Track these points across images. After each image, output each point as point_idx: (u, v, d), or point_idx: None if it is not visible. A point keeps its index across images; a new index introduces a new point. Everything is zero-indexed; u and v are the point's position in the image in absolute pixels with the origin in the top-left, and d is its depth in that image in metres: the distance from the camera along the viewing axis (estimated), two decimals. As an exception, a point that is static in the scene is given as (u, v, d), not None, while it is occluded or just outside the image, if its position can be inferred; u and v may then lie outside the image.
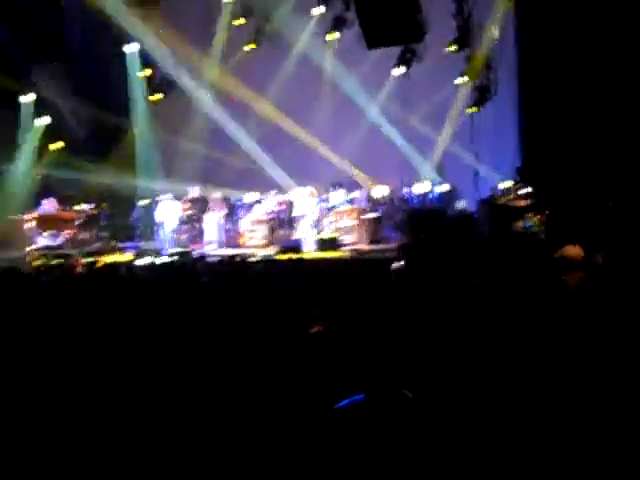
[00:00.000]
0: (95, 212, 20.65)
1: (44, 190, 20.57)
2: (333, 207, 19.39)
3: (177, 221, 20.04)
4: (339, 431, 3.44)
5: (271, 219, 19.61)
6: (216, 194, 20.10)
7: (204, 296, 7.61)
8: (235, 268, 10.63)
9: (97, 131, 21.34)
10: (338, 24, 21.13)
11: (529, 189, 17.47)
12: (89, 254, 18.00)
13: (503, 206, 17.29)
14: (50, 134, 21.44)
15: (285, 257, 14.00)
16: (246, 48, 22.22)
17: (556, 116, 17.63)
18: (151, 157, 23.26)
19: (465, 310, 5.76)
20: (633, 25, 16.36)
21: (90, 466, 4.25)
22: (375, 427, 3.37)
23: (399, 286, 7.48)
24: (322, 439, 3.54)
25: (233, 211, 20.42)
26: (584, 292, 6.11)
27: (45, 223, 19.43)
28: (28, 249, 18.49)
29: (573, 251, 7.20)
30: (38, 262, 16.43)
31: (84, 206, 20.51)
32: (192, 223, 20.24)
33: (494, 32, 19.39)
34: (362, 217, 18.98)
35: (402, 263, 5.12)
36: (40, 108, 21.26)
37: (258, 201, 20.20)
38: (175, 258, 15.29)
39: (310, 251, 17.52)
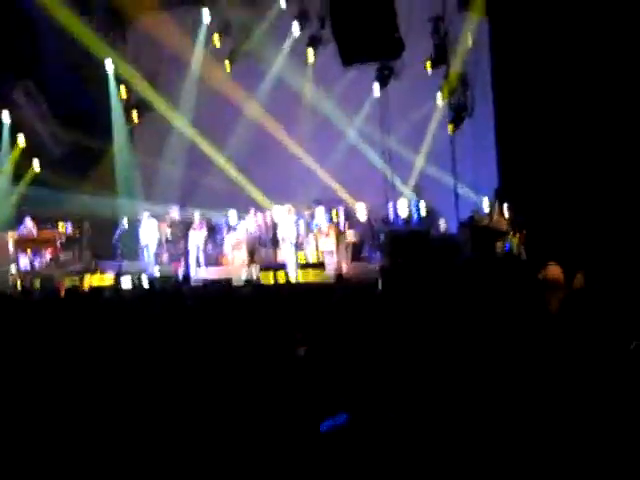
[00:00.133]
0: (76, 232, 20.59)
1: (23, 210, 20.49)
2: (315, 226, 19.38)
3: (158, 241, 19.99)
4: (324, 452, 3.49)
5: (253, 239, 19.58)
6: (197, 214, 20.06)
7: (189, 320, 7.65)
8: (220, 292, 10.66)
9: (75, 150, 21.23)
10: (314, 42, 21.20)
11: (507, 209, 17.59)
12: (71, 274, 17.97)
13: (484, 228, 17.36)
14: (27, 154, 21.36)
15: (270, 280, 14.04)
16: (227, 64, 22.19)
17: (533, 134, 17.74)
18: (130, 176, 23.24)
19: (445, 331, 5.83)
20: (608, 38, 16.50)
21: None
22: (358, 447, 3.43)
23: (380, 309, 7.54)
24: (307, 460, 3.59)
25: (215, 231, 20.40)
26: (566, 312, 6.19)
27: (25, 243, 19.36)
28: (10, 269, 18.41)
29: (554, 271, 7.28)
30: (20, 283, 16.39)
31: (65, 225, 20.45)
32: (174, 243, 20.19)
33: (468, 42, 19.52)
34: (343, 237, 19.00)
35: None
36: (17, 127, 21.18)
37: (240, 219, 20.15)
38: (159, 281, 15.29)
39: (293, 272, 17.56)
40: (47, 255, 19.50)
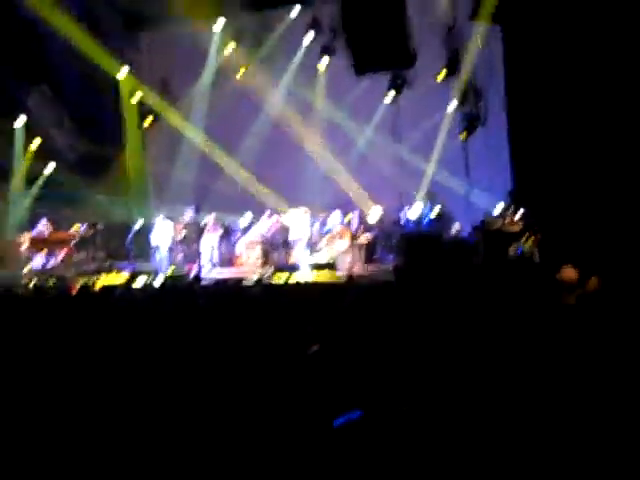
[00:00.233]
0: (90, 233, 20.65)
1: (38, 211, 20.58)
2: (329, 229, 19.43)
3: (172, 242, 20.03)
4: (337, 447, 3.47)
5: (266, 241, 19.63)
6: (210, 216, 20.12)
7: (201, 319, 7.64)
8: (231, 291, 10.66)
9: (89, 154, 21.30)
10: (326, 52, 21.21)
11: (521, 212, 17.56)
12: (85, 275, 18.02)
13: (497, 232, 17.33)
14: (42, 157, 21.44)
15: (282, 280, 14.03)
16: (239, 74, 22.25)
17: (546, 139, 17.72)
18: (143, 179, 23.33)
19: (459, 330, 5.81)
20: (622, 46, 16.46)
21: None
22: (371, 442, 3.41)
23: (394, 307, 7.52)
24: (321, 456, 3.57)
25: (229, 233, 20.45)
26: (580, 313, 6.17)
27: (40, 244, 19.45)
28: (24, 270, 18.51)
29: (568, 273, 7.25)
30: (33, 283, 16.44)
31: (79, 227, 20.52)
32: (188, 244, 20.24)
33: (479, 51, 19.51)
34: (356, 239, 19.05)
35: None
36: (32, 131, 21.27)
37: (253, 223, 20.22)
38: (171, 280, 15.30)
39: (306, 274, 17.56)
40: (61, 255, 19.57)
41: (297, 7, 21.15)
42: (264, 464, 4.03)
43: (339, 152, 20.90)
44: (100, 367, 6.00)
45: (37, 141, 21.33)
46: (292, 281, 14.40)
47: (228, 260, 20.06)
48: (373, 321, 6.59)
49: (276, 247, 19.67)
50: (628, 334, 5.29)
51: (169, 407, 5.04)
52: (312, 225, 19.52)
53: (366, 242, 19.10)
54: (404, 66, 19.44)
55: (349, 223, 19.68)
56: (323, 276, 17.00)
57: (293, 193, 20.41)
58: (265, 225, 19.97)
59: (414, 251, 16.29)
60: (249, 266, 19.04)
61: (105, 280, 16.64)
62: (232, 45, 22.18)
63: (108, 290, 12.12)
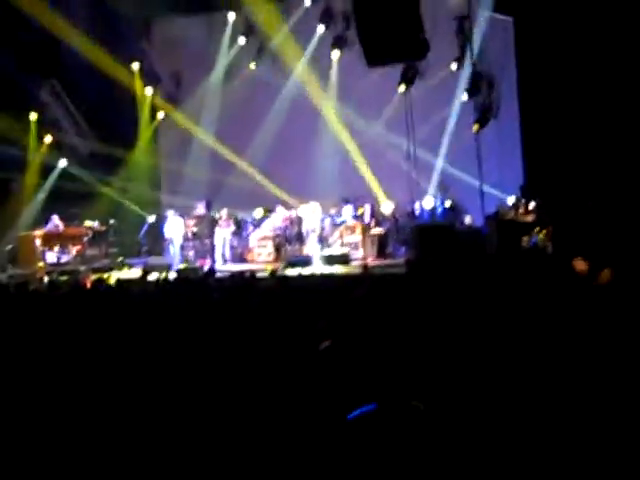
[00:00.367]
0: (103, 228, 20.74)
1: (51, 206, 20.65)
2: (340, 223, 19.46)
3: (184, 237, 20.08)
4: (351, 442, 3.47)
5: (278, 235, 19.67)
6: (223, 211, 20.15)
7: (215, 312, 7.64)
8: (245, 283, 10.66)
9: (101, 148, 21.34)
10: (339, 43, 21.18)
11: (533, 204, 17.54)
12: (98, 270, 18.08)
13: (510, 221, 17.32)
14: (55, 152, 21.51)
15: (295, 272, 14.03)
16: (252, 66, 22.26)
17: (558, 132, 17.68)
18: (155, 174, 23.41)
19: (473, 323, 5.80)
20: (632, 38, 16.41)
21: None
22: (386, 438, 3.40)
23: (406, 299, 7.51)
24: (334, 450, 3.57)
25: (241, 227, 20.49)
26: (592, 305, 6.15)
27: (53, 239, 19.53)
28: (38, 265, 18.59)
29: (579, 265, 7.24)
30: (47, 278, 16.49)
31: (92, 222, 20.60)
32: (200, 239, 20.29)
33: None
34: (368, 232, 19.07)
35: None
36: (45, 125, 21.31)
37: (266, 217, 20.26)
38: (184, 274, 15.32)
39: (318, 266, 17.58)
40: (74, 251, 19.64)
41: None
42: (278, 457, 4.03)
43: (351, 144, 20.86)
44: (114, 361, 6.02)
45: (50, 135, 21.35)
46: (306, 272, 14.40)
47: (240, 256, 20.10)
48: (386, 313, 6.58)
49: (289, 241, 19.70)
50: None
51: (183, 400, 5.05)
52: (324, 220, 19.53)
53: (378, 235, 19.12)
54: (416, 57, 19.36)
55: (361, 216, 19.70)
56: (336, 269, 17.01)
57: (305, 187, 20.42)
58: (278, 219, 20.00)
59: (427, 242, 16.27)
60: (261, 262, 19.07)
61: (118, 275, 16.66)
62: (244, 37, 22.21)
63: (121, 284, 12.15)
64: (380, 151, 20.95)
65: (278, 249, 19.50)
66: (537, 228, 16.33)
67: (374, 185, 20.72)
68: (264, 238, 19.76)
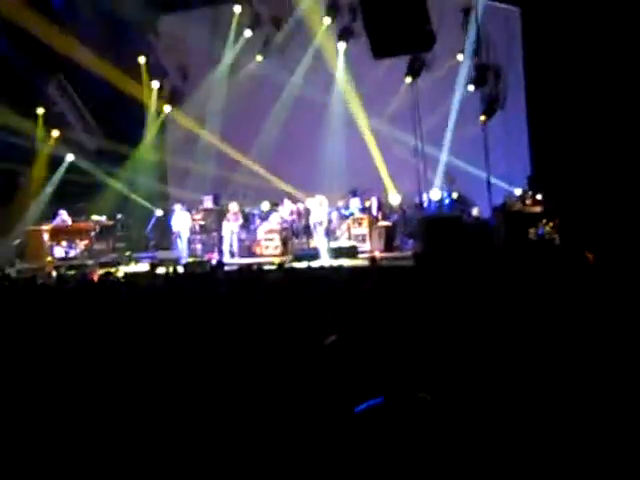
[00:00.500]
0: (111, 223, 20.77)
1: (59, 201, 20.70)
2: (347, 215, 19.47)
3: (191, 231, 20.10)
4: (358, 434, 3.47)
5: (286, 228, 19.68)
6: (232, 204, 20.14)
7: (222, 306, 7.65)
8: (252, 276, 10.67)
9: (108, 143, 21.34)
10: (345, 35, 21.13)
11: (541, 197, 17.51)
12: (105, 264, 18.13)
13: (517, 213, 17.30)
14: (62, 147, 21.53)
15: (303, 265, 14.04)
16: (258, 59, 22.23)
17: (565, 124, 17.63)
18: (163, 167, 23.41)
19: (480, 315, 5.80)
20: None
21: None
22: (394, 430, 3.40)
23: (414, 292, 7.51)
24: (342, 442, 3.57)
25: (249, 220, 20.49)
26: (598, 296, 6.15)
27: (61, 234, 19.59)
28: (46, 260, 18.65)
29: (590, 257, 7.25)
30: (55, 273, 16.55)
31: (99, 217, 20.63)
32: (207, 233, 20.31)
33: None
34: (375, 225, 19.07)
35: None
36: (52, 120, 21.33)
37: (273, 210, 20.26)
38: (192, 267, 15.36)
39: (326, 259, 17.58)
40: (81, 246, 19.69)
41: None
42: (286, 451, 4.04)
43: (357, 136, 20.82)
44: (121, 355, 6.03)
45: (57, 130, 21.38)
46: (314, 265, 14.40)
47: (247, 249, 20.10)
48: (393, 305, 6.59)
49: (296, 234, 19.70)
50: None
51: (191, 394, 5.06)
52: (331, 212, 19.54)
53: (385, 228, 19.11)
54: (423, 49, 19.30)
55: (368, 209, 19.69)
56: (344, 262, 17.01)
57: (311, 180, 20.37)
58: (285, 212, 20.01)
59: (434, 234, 16.27)
60: (268, 255, 19.08)
61: (126, 270, 16.71)
62: (250, 30, 22.18)
63: (129, 278, 12.19)
64: (387, 143, 20.89)
65: (285, 242, 19.50)
66: (544, 220, 16.31)
67: (381, 177, 20.67)
68: (271, 231, 19.76)
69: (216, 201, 20.68)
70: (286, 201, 20.37)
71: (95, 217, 20.61)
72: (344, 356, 5.26)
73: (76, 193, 20.59)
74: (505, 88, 19.79)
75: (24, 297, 9.88)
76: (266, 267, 12.29)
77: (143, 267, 17.22)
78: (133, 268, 17.77)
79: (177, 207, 20.27)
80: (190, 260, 17.99)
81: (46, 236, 19.33)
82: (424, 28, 18.21)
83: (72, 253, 19.46)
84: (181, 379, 5.32)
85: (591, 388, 4.17)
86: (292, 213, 19.99)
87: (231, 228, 19.91)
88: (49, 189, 21.36)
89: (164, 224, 20.73)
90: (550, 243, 15.09)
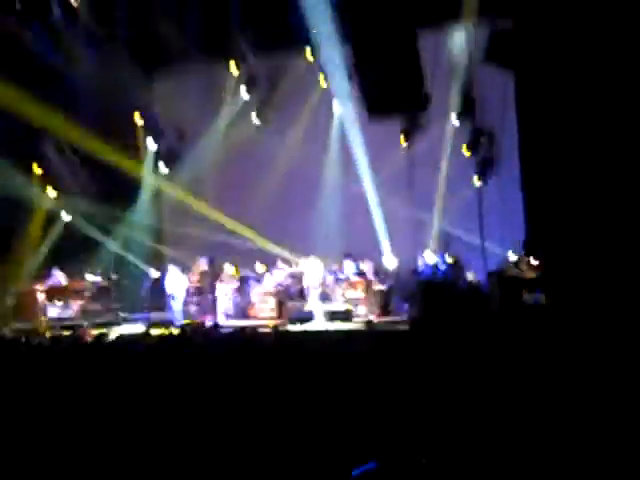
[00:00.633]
0: (106, 283, 20.73)
1: (53, 260, 20.69)
2: (343, 279, 19.46)
3: (186, 293, 20.05)
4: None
5: (280, 291, 19.64)
6: (226, 266, 20.14)
7: (217, 368, 7.63)
8: (247, 339, 10.66)
9: (105, 202, 21.39)
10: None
11: (536, 262, 17.53)
12: (100, 325, 18.06)
13: (512, 278, 17.31)
14: (57, 205, 21.62)
15: (298, 329, 14.03)
16: (254, 118, 22.36)
17: (560, 188, 17.70)
18: (159, 227, 23.45)
19: (475, 379, 5.81)
20: (633, 81, 16.47)
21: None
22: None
23: (410, 356, 7.52)
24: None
25: (244, 282, 20.46)
26: (595, 363, 6.16)
27: (55, 294, 19.56)
28: (40, 319, 18.60)
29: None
30: (49, 332, 16.50)
31: (94, 277, 20.61)
32: (202, 295, 20.27)
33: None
34: (371, 289, 19.06)
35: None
36: (49, 179, 21.44)
37: (267, 272, 20.25)
38: (187, 329, 15.29)
39: (321, 322, 17.56)
40: (76, 306, 19.64)
41: (308, 50, 21.20)
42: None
43: (352, 199, 20.90)
44: (116, 415, 6.02)
45: (53, 189, 21.46)
46: (310, 329, 14.40)
47: (242, 312, 20.04)
48: (389, 370, 6.59)
49: (291, 297, 19.66)
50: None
51: (184, 453, 5.05)
52: (326, 276, 19.53)
53: (381, 292, 19.10)
54: (417, 109, 19.50)
55: (363, 273, 19.68)
56: (339, 325, 16.99)
57: (306, 242, 20.39)
58: (279, 275, 20.01)
59: (430, 298, 16.27)
60: (263, 318, 19.02)
61: (120, 331, 16.64)
62: (245, 91, 22.33)
63: (122, 340, 12.16)
64: (381, 205, 20.96)
65: (280, 305, 19.45)
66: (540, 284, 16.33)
67: (376, 240, 20.69)
68: (266, 294, 19.72)
69: (211, 263, 20.65)
70: (281, 263, 20.37)
71: (90, 277, 20.59)
72: (340, 419, 5.25)
73: (71, 252, 20.57)
74: (499, 152, 19.92)
75: (19, 358, 9.86)
76: (261, 330, 12.26)
77: (137, 328, 17.15)
78: (127, 329, 17.68)
79: (171, 268, 20.24)
80: (185, 322, 17.92)
81: (41, 296, 19.30)
82: (419, 89, 18.45)
83: (66, 313, 19.41)
84: (174, 440, 5.31)
85: (587, 454, 4.18)
86: (287, 276, 19.99)
87: (226, 290, 19.87)
88: (44, 248, 21.36)
89: (159, 285, 20.66)
90: (545, 310, 15.09)
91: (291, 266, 20.39)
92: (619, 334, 7.29)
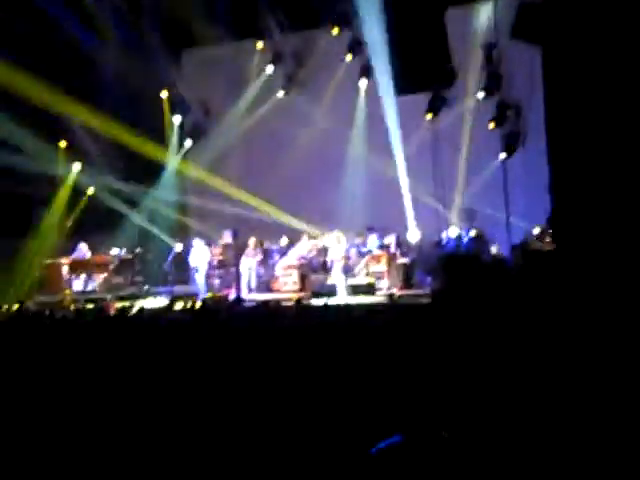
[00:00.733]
0: (129, 257, 20.82)
1: (78, 233, 20.78)
2: (366, 252, 19.43)
3: (209, 266, 20.09)
4: (377, 474, 3.45)
5: (304, 264, 19.65)
6: (251, 239, 20.14)
7: (239, 342, 7.64)
8: (269, 312, 10.66)
9: (131, 176, 21.46)
10: (366, 72, 21.24)
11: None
12: (123, 298, 18.15)
13: (537, 252, 17.22)
14: (83, 180, 21.70)
15: (320, 302, 14.00)
16: (280, 94, 22.38)
17: (586, 159, 17.54)
18: (184, 201, 23.49)
19: (496, 353, 5.77)
20: None
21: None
22: (412, 469, 3.38)
23: (432, 329, 7.49)
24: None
25: (267, 256, 20.49)
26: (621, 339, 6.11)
27: (79, 267, 19.67)
28: (64, 293, 18.71)
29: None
30: (73, 305, 16.61)
31: (118, 250, 20.69)
32: (225, 268, 20.31)
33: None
34: (394, 262, 19.02)
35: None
36: (75, 153, 21.49)
37: (291, 245, 20.27)
38: (210, 303, 15.32)
39: (344, 296, 17.55)
40: (100, 279, 19.76)
41: (336, 28, 21.13)
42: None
43: (378, 173, 20.81)
44: (139, 388, 6.03)
45: (79, 162, 21.54)
46: (332, 302, 14.37)
47: (266, 285, 20.08)
48: (411, 343, 6.57)
49: (314, 270, 19.68)
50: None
51: (206, 427, 5.06)
52: (349, 249, 19.50)
53: (404, 265, 19.07)
54: (444, 85, 19.40)
55: (387, 246, 19.65)
56: (362, 299, 16.97)
57: (330, 216, 20.38)
58: (303, 248, 20.00)
59: (453, 272, 16.21)
60: (287, 291, 19.05)
61: (143, 304, 16.72)
62: (271, 66, 22.34)
63: (146, 313, 12.21)
64: (406, 180, 20.90)
65: (303, 278, 19.46)
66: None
67: (399, 214, 20.64)
68: (290, 267, 19.74)
69: (235, 236, 20.67)
70: (304, 237, 20.38)
71: (114, 250, 20.69)
72: (362, 394, 5.25)
73: (96, 226, 20.65)
74: (525, 126, 19.78)
75: (43, 330, 9.90)
76: (284, 303, 12.28)
77: (161, 301, 17.23)
78: (151, 302, 17.76)
79: (196, 241, 20.29)
80: (208, 296, 17.96)
81: (65, 269, 19.41)
82: (445, 66, 18.32)
83: (90, 286, 19.54)
84: (198, 414, 5.31)
85: (615, 423, 4.14)
86: (310, 249, 19.99)
87: (249, 264, 19.89)
88: (69, 221, 21.46)
89: (183, 258, 20.73)
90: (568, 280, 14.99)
91: (315, 240, 20.39)
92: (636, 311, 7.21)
